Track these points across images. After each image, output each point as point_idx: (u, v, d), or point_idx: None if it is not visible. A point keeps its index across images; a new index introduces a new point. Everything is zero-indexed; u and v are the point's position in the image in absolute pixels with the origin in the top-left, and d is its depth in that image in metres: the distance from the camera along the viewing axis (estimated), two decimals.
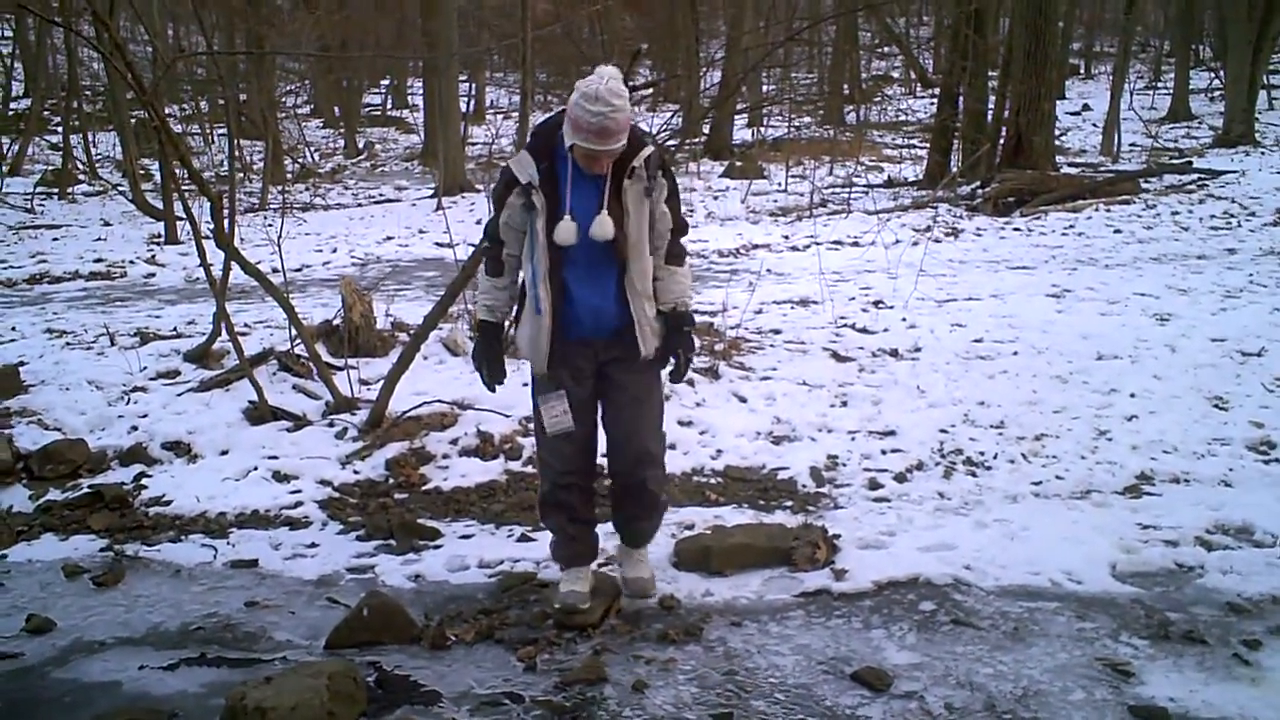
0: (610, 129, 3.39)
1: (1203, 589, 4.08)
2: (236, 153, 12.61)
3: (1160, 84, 31.03)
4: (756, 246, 12.48)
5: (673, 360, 3.77)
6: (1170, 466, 5.34)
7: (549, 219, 3.53)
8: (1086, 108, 28.07)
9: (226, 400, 6.12)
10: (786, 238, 13.09)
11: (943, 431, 5.79)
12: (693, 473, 5.37)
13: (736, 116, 24.17)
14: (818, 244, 11.55)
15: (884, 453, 5.58)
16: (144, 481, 5.34)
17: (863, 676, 3.46)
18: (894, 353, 7.03)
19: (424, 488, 5.30)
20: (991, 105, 17.39)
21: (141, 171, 17.34)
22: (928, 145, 18.91)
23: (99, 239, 14.45)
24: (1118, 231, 12.57)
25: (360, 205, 18.24)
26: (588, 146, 3.43)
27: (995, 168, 16.08)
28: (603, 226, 3.49)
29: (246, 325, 7.65)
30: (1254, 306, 8.18)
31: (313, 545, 4.71)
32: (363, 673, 3.47)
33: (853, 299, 8.72)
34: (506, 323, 3.90)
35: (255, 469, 5.43)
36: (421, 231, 14.65)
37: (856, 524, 4.69)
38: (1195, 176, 16.15)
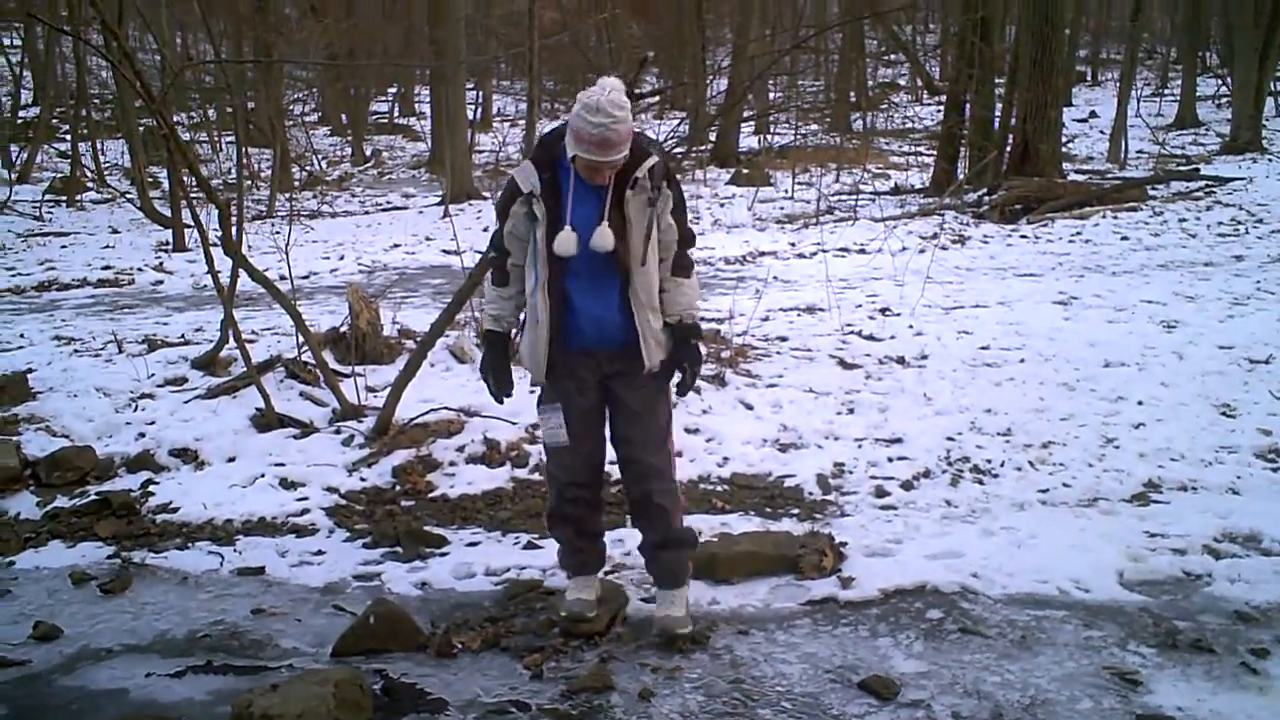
0: (611, 140, 3.38)
1: (1210, 597, 4.07)
2: (244, 160, 12.63)
3: (1167, 91, 30.98)
4: (763, 254, 12.48)
5: (679, 373, 3.74)
6: (1178, 474, 5.33)
7: (550, 229, 3.53)
8: (1093, 115, 28.00)
9: (234, 407, 6.13)
10: (793, 245, 13.10)
11: (950, 439, 5.77)
12: (699, 480, 5.37)
13: (743, 124, 24.17)
14: (824, 251, 11.55)
15: (891, 460, 5.57)
16: (151, 488, 5.35)
17: (870, 685, 3.46)
18: (901, 360, 7.02)
19: (430, 495, 5.31)
20: (998, 112, 17.38)
21: (150, 179, 17.40)
22: (934, 153, 18.88)
23: (107, 246, 14.49)
24: (1125, 239, 12.56)
25: (367, 213, 18.27)
26: (588, 157, 3.42)
27: (1002, 175, 16.07)
28: (602, 237, 3.48)
29: (254, 332, 7.67)
30: (1262, 314, 8.17)
31: (319, 553, 4.72)
32: (369, 680, 3.47)
33: (859, 306, 8.72)
34: (514, 332, 3.89)
35: (262, 476, 5.44)
36: (428, 239, 14.67)
37: (863, 532, 4.69)
38: (1202, 183, 16.13)
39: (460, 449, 5.66)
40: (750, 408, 6.20)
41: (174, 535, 4.93)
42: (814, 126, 25.94)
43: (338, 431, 5.88)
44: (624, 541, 4.44)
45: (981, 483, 5.34)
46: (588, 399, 3.72)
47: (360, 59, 23.05)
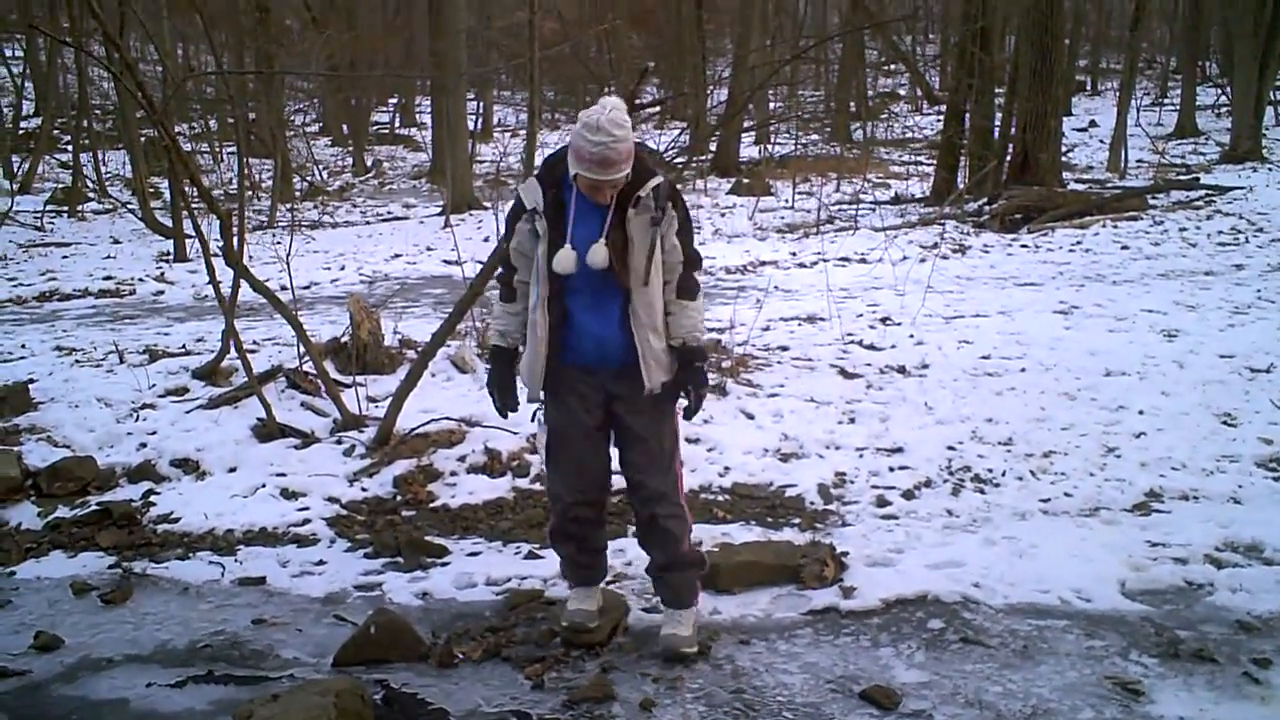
0: (611, 159, 3.38)
1: (1212, 607, 4.06)
2: (245, 171, 12.66)
3: (1167, 100, 31.06)
4: (764, 263, 12.50)
5: (684, 398, 3.71)
6: (1179, 484, 5.32)
7: (550, 246, 3.53)
8: (1093, 124, 28.08)
9: (235, 417, 6.13)
10: (794, 254, 13.12)
11: (951, 449, 5.77)
12: (700, 490, 5.36)
13: (744, 134, 24.23)
14: (825, 261, 11.56)
15: (892, 470, 5.57)
16: (152, 499, 5.35)
17: (871, 695, 3.45)
18: (902, 369, 7.02)
19: (431, 505, 5.30)
20: (998, 122, 17.43)
21: (151, 190, 17.44)
22: (934, 162, 18.93)
23: (108, 257, 14.52)
24: (1125, 248, 12.57)
25: (368, 223, 18.31)
26: (589, 176, 3.42)
27: (1002, 184, 16.10)
28: (597, 255, 3.47)
29: (255, 343, 7.67)
30: (1262, 323, 8.17)
31: (320, 563, 4.71)
32: (370, 690, 3.47)
33: (860, 316, 8.72)
34: (520, 348, 3.86)
35: (263, 486, 5.44)
36: (429, 249, 14.70)
37: (864, 541, 4.68)
38: (1203, 193, 16.14)
39: (461, 459, 5.66)
40: (751, 417, 6.20)
41: (175, 545, 4.92)
42: (814, 136, 26.04)
43: (339, 441, 5.88)
44: (625, 551, 4.44)
45: (983, 492, 5.33)
46: (593, 418, 3.70)
47: (361, 70, 23.14)
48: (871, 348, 7.57)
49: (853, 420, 6.19)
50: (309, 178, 22.76)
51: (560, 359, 3.63)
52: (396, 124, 34.10)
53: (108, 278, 12.66)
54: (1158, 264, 11.48)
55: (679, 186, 3.96)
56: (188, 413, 6.24)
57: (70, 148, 20.97)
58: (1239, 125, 21.47)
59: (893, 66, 37.15)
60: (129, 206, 17.68)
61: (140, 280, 12.42)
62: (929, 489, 5.38)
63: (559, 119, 26.31)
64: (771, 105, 26.54)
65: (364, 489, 5.43)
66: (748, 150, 24.85)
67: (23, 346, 8.32)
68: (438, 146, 22.45)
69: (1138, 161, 21.57)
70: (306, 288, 11.35)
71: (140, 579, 4.55)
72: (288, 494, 5.38)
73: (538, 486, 5.34)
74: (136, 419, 6.20)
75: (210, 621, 4.14)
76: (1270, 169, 19.45)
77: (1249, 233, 13.17)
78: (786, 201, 18.29)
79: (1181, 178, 18.28)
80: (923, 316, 8.43)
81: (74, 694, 3.61)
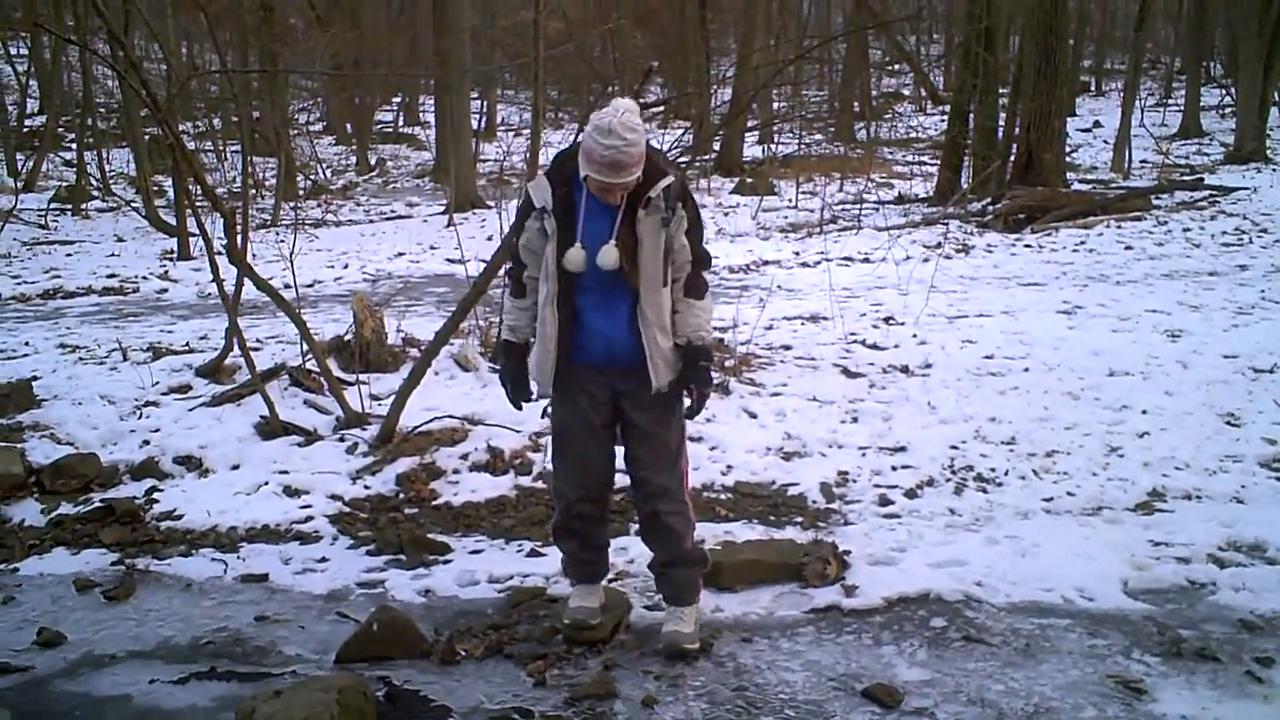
0: (622, 162, 3.37)
1: (1215, 606, 4.06)
2: (249, 169, 12.66)
3: (1171, 101, 31.04)
4: (767, 263, 12.50)
5: (687, 397, 3.70)
6: (1182, 483, 5.32)
7: (559, 245, 3.53)
8: (1097, 124, 28.05)
9: (238, 415, 6.14)
10: (797, 254, 13.12)
11: (953, 448, 5.77)
12: (703, 489, 5.36)
13: (747, 134, 24.22)
14: (828, 260, 11.57)
15: (895, 469, 5.56)
16: (155, 496, 5.36)
17: (873, 693, 3.45)
18: (905, 369, 7.02)
19: (434, 503, 5.31)
20: (1002, 122, 17.41)
21: (155, 188, 17.45)
22: (938, 162, 18.92)
23: (112, 254, 14.54)
24: (1129, 248, 12.56)
25: (372, 221, 18.32)
26: (599, 179, 3.41)
27: (1006, 184, 16.08)
28: (607, 255, 3.48)
29: (258, 340, 7.69)
30: (1266, 323, 8.17)
31: (323, 560, 4.72)
32: (372, 687, 3.47)
33: (863, 315, 8.72)
34: (530, 341, 3.87)
35: (266, 484, 5.44)
36: (433, 248, 14.70)
37: (867, 540, 4.68)
38: (1207, 193, 16.12)
39: (464, 457, 5.66)
40: (754, 416, 6.20)
41: (178, 542, 4.93)
42: (818, 136, 25.99)
43: (342, 439, 5.89)
44: (627, 549, 4.44)
45: (985, 491, 5.33)
46: (600, 416, 3.71)
47: (365, 69, 23.15)
48: (874, 347, 7.57)
49: (855, 419, 6.19)
50: (313, 176, 22.79)
51: (570, 358, 3.64)
52: (400, 123, 34.11)
53: (111, 275, 12.68)
54: (1161, 264, 11.47)
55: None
56: (191, 410, 6.25)
57: (75, 146, 20.99)
58: (1243, 126, 21.45)
59: (897, 66, 37.15)
60: (133, 204, 17.69)
61: (144, 278, 12.44)
62: (931, 488, 5.38)
63: (563, 118, 26.29)
64: (775, 105, 26.50)
65: (367, 486, 5.44)
66: (751, 150, 24.85)
67: (26, 344, 8.34)
68: (441, 145, 22.48)
69: (1142, 162, 21.55)
70: (310, 286, 11.35)
71: (143, 576, 4.56)
72: (290, 491, 5.38)
73: (540, 485, 5.35)
74: (140, 416, 6.21)
75: (213, 618, 4.15)
76: (1275, 169, 19.44)
77: (1253, 233, 13.16)
78: (790, 201, 18.29)
79: (1186, 178, 18.26)
80: (926, 316, 8.43)
81: (77, 690, 3.62)
